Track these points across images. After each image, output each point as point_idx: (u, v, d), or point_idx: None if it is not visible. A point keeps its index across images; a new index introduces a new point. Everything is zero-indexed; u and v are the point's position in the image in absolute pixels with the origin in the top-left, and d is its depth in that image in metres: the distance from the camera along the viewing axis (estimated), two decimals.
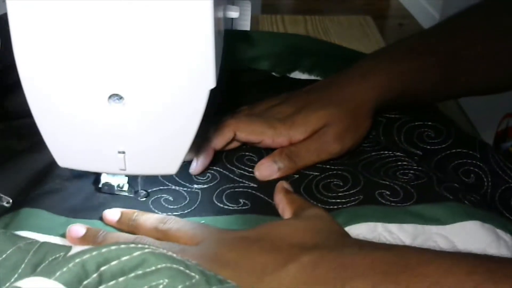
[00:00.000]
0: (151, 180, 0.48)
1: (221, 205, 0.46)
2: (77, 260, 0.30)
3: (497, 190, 0.49)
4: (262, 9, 2.03)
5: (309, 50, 0.70)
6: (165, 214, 0.44)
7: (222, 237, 0.39)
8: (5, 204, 0.44)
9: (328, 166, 0.51)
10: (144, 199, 0.46)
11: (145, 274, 0.31)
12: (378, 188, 0.47)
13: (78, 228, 0.41)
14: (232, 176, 0.50)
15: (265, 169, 0.49)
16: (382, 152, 0.53)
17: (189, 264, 0.32)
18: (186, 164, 0.49)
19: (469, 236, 0.42)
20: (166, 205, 0.46)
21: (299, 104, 0.53)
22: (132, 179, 0.46)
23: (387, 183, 0.47)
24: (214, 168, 0.50)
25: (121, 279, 0.30)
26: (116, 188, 0.46)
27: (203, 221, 0.44)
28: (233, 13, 0.44)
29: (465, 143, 0.53)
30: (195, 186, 0.48)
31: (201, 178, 0.49)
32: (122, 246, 0.31)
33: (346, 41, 0.73)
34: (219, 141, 0.50)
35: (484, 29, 0.57)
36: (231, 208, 0.46)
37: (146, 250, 0.31)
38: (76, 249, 0.38)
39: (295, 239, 0.38)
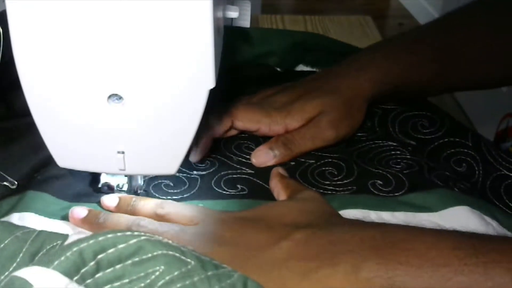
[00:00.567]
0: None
1: (220, 190, 0.47)
2: (74, 249, 0.31)
3: (488, 178, 0.50)
4: (262, 9, 2.03)
5: (314, 46, 0.71)
6: (164, 198, 0.45)
7: (219, 218, 0.41)
8: (10, 185, 0.46)
9: (323, 154, 0.52)
10: None
11: (142, 261, 0.31)
12: (371, 177, 0.48)
13: (80, 210, 0.42)
14: (230, 163, 0.51)
15: (262, 156, 0.51)
16: (376, 141, 0.54)
17: (184, 250, 0.32)
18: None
19: (458, 221, 0.43)
20: (166, 190, 0.47)
21: (295, 93, 0.55)
22: (132, 180, 0.46)
23: (380, 171, 0.48)
24: (213, 155, 0.52)
25: (118, 266, 0.31)
26: (116, 188, 0.46)
27: (201, 205, 0.45)
28: (233, 13, 0.44)
29: (457, 132, 0.54)
30: (195, 172, 0.49)
31: (201, 165, 0.50)
32: (119, 234, 0.32)
33: (346, 41, 0.73)
34: (218, 129, 0.52)
35: (482, 25, 0.58)
36: (229, 193, 0.47)
37: (142, 238, 0.32)
38: (73, 237, 0.38)
39: (288, 218, 0.40)
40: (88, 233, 0.41)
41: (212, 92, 0.37)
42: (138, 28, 0.34)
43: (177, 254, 0.32)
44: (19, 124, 0.52)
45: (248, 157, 0.51)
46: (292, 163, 0.51)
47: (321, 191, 0.47)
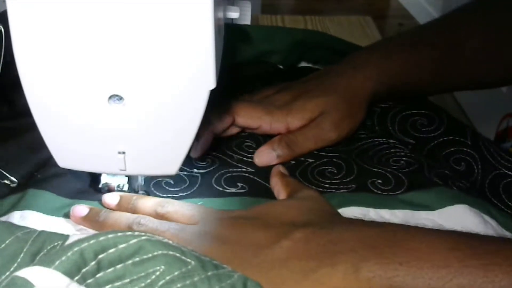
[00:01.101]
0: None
1: (220, 188, 0.47)
2: (75, 249, 0.31)
3: (487, 177, 0.50)
4: (262, 9, 2.03)
5: (316, 44, 0.71)
6: (164, 196, 0.46)
7: (219, 217, 0.41)
8: (10, 184, 0.46)
9: (323, 153, 0.52)
10: None
11: (142, 261, 0.31)
12: (371, 176, 0.48)
13: (81, 208, 0.42)
14: (230, 161, 0.51)
15: (264, 156, 0.51)
16: (376, 140, 0.54)
17: (185, 251, 0.33)
18: None
19: (457, 219, 0.43)
20: (167, 188, 0.47)
21: (297, 92, 0.55)
22: (132, 180, 0.46)
23: (379, 170, 0.49)
24: (214, 153, 0.52)
25: (118, 266, 0.31)
26: (116, 189, 0.46)
27: (201, 203, 0.45)
28: (233, 14, 0.44)
29: (456, 130, 0.54)
30: (195, 170, 0.49)
31: (201, 163, 0.50)
32: (119, 234, 0.32)
33: None
34: (218, 126, 0.52)
35: (481, 24, 0.58)
36: (229, 191, 0.47)
37: (143, 238, 0.32)
38: (73, 237, 0.39)
39: (288, 217, 0.40)
40: (89, 231, 0.42)
41: (213, 90, 0.38)
42: (139, 28, 0.34)
43: (178, 254, 0.32)
44: (21, 123, 0.52)
45: (249, 155, 0.51)
46: (292, 162, 0.51)
47: (321, 189, 0.47)
